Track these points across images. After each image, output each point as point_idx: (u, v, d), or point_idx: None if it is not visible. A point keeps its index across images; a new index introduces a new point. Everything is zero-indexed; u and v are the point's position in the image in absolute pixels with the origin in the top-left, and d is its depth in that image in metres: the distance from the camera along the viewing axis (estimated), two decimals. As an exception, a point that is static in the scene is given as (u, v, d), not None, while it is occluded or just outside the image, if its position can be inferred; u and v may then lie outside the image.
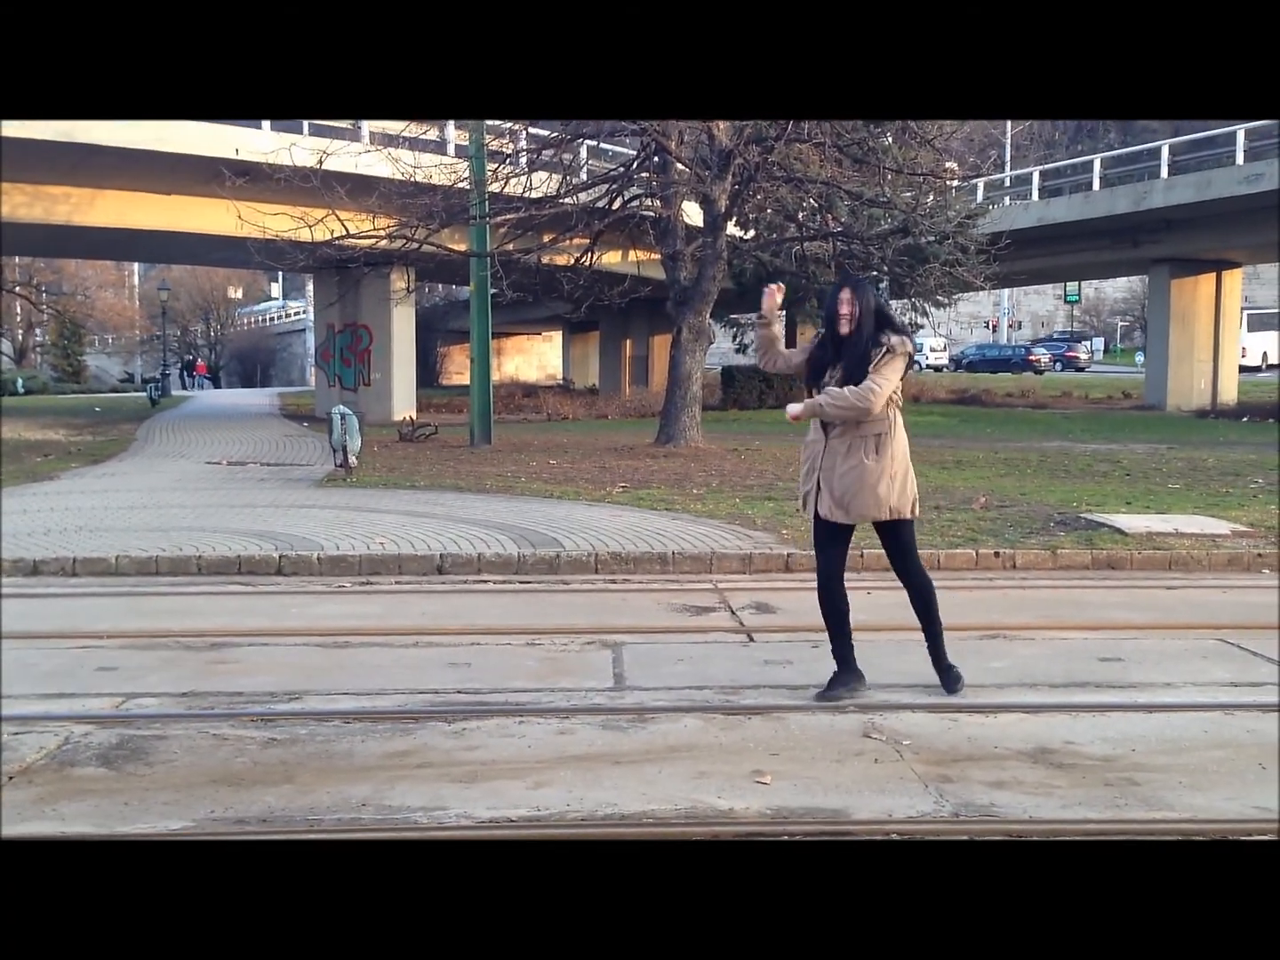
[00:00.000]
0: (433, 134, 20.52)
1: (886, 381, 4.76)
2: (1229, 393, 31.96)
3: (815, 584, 5.10)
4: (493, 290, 18.40)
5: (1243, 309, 37.24)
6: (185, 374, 45.98)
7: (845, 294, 4.85)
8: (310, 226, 16.11)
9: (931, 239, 19.48)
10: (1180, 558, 8.24)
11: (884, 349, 4.78)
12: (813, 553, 7.81)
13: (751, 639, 6.13)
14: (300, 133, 21.33)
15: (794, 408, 4.95)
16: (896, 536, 5.03)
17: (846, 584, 5.12)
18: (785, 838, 3.42)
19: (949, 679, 5.00)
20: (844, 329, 4.83)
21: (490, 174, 17.48)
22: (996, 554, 8.24)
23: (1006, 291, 58.25)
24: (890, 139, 18.55)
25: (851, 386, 4.75)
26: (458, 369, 52.90)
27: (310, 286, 43.89)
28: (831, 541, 5.02)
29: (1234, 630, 6.16)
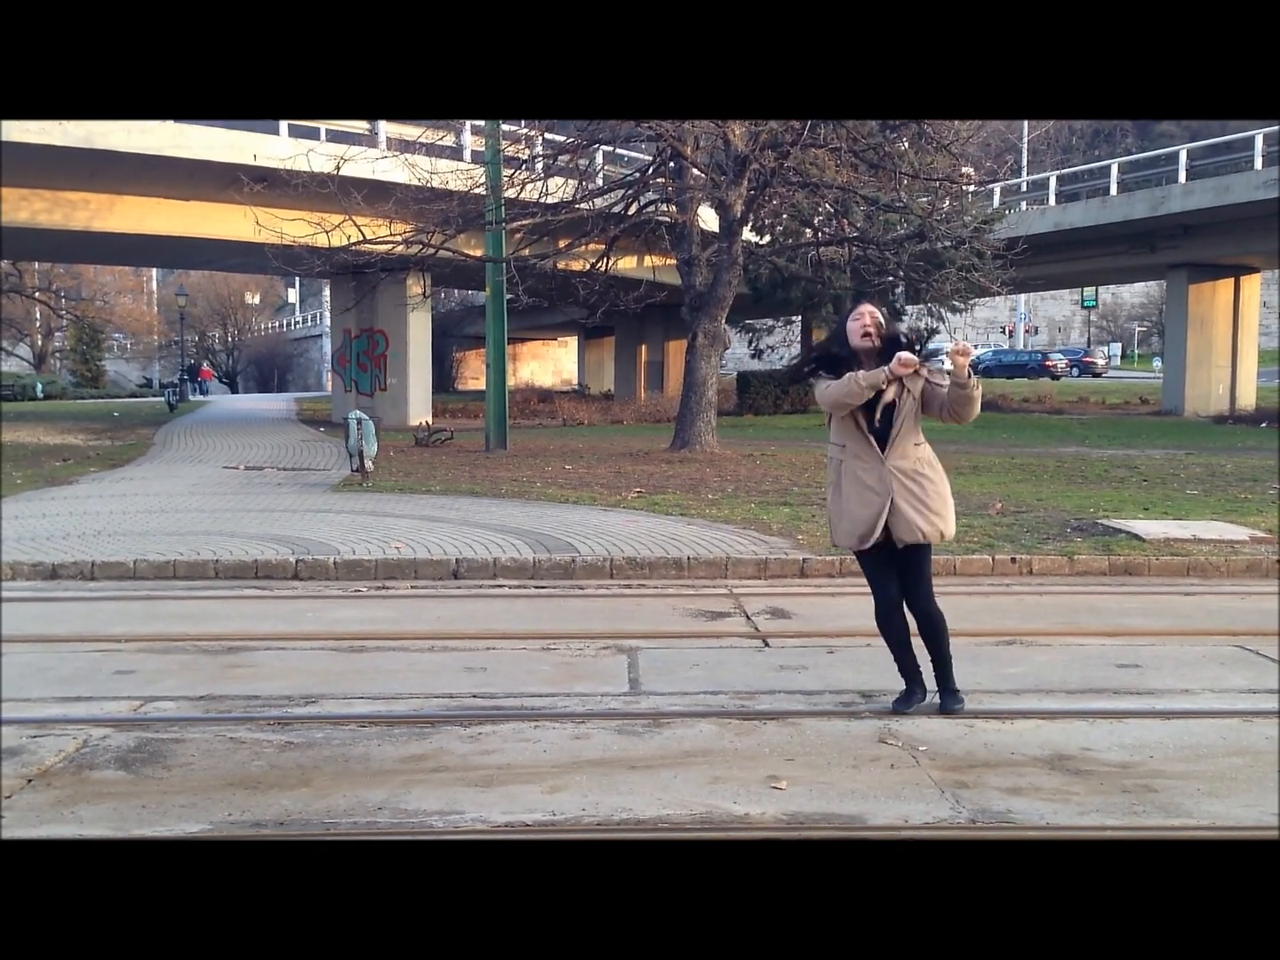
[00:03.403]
0: (449, 140, 20.59)
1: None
2: (1247, 398, 31.83)
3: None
4: (508, 295, 18.45)
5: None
6: (190, 380, 45.50)
7: (869, 311, 4.71)
8: (327, 232, 16.20)
9: (948, 244, 19.46)
10: (1198, 564, 8.20)
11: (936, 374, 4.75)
12: (829, 558, 7.78)
13: (767, 644, 6.12)
14: (318, 138, 21.42)
15: (907, 357, 4.54)
16: (929, 561, 4.88)
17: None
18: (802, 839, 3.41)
19: (953, 699, 4.82)
20: (870, 344, 4.66)
21: (506, 179, 17.53)
22: (1013, 560, 8.21)
23: (1023, 297, 58.15)
24: (906, 144, 18.55)
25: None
26: (473, 374, 53.05)
27: (327, 292, 44.04)
28: (889, 563, 4.82)
29: (1252, 636, 6.13)
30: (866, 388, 4.58)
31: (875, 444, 4.68)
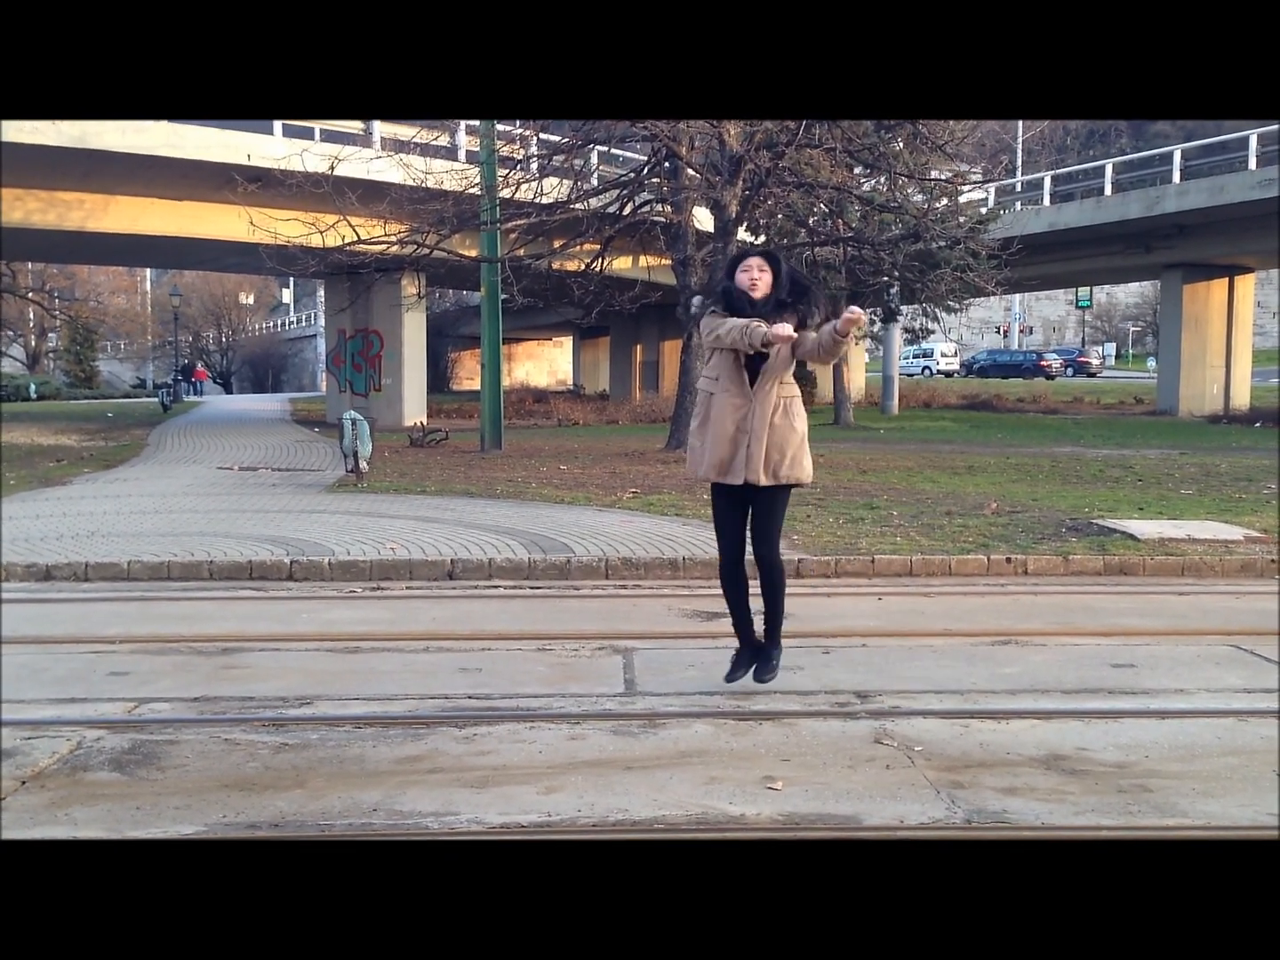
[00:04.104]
0: (444, 140, 20.58)
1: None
2: (1241, 398, 31.90)
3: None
4: (503, 296, 18.44)
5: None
6: (184, 380, 45.06)
7: (757, 261, 4.91)
8: (322, 232, 16.19)
9: (942, 244, 19.47)
10: (1193, 563, 8.22)
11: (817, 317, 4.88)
12: (825, 558, 7.77)
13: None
14: (312, 138, 21.39)
15: (784, 329, 4.65)
16: (781, 508, 5.07)
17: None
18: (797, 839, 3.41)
19: (767, 665, 5.04)
20: (757, 294, 4.83)
21: (501, 179, 17.52)
22: (1008, 560, 8.22)
23: (1018, 297, 58.21)
24: (901, 144, 18.56)
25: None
26: (468, 374, 53.00)
27: (321, 292, 44.00)
28: (741, 512, 5.02)
29: (1247, 636, 6.14)
30: (747, 346, 4.70)
31: (747, 380, 4.84)
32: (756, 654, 5.11)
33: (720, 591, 5.20)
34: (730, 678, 5.08)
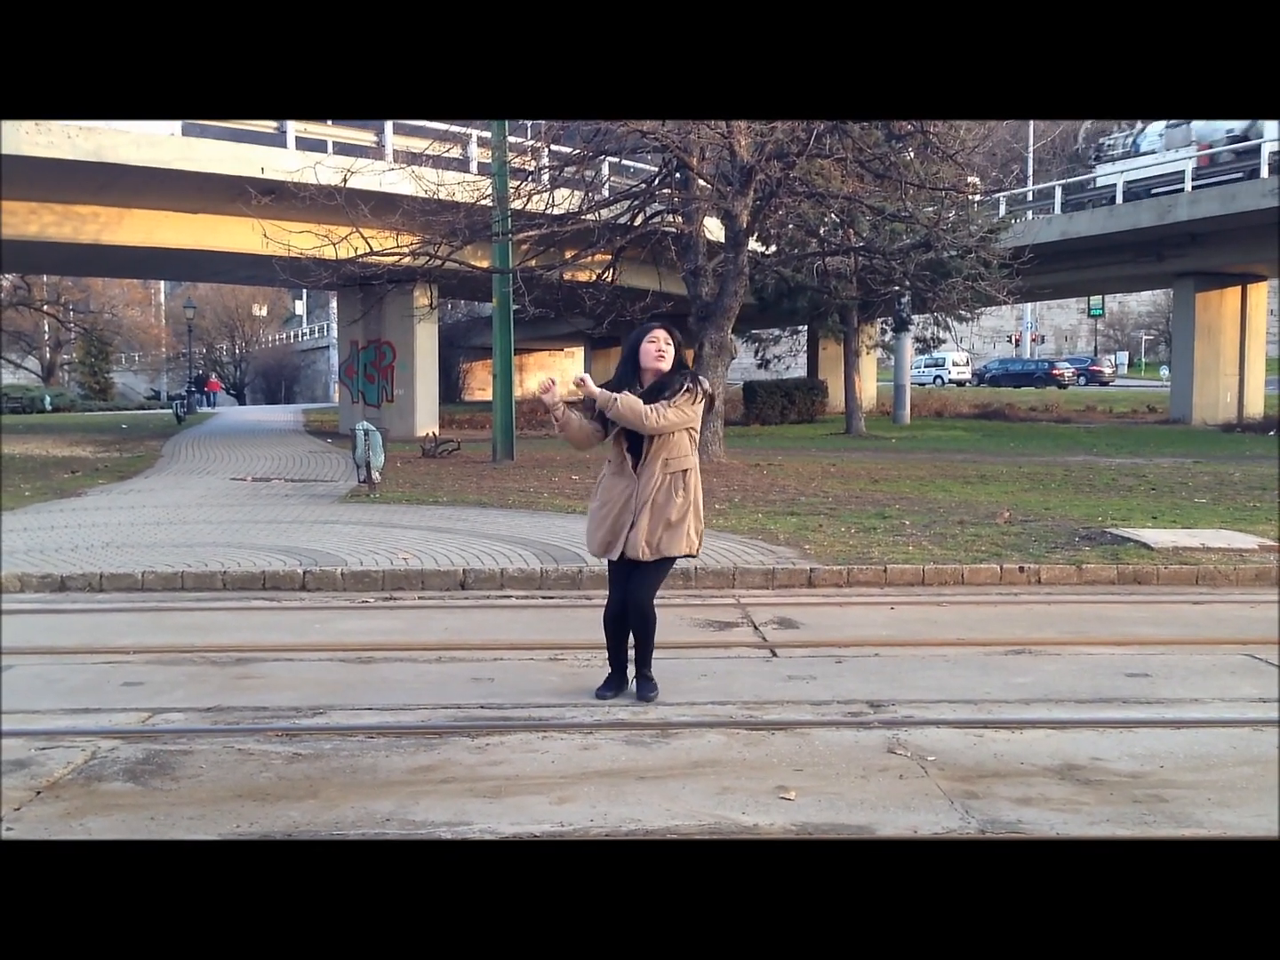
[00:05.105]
0: (456, 152, 20.64)
1: (679, 413, 4.93)
2: (1255, 406, 31.76)
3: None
4: (515, 306, 18.46)
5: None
6: (197, 391, 44.99)
7: (664, 334, 5.04)
8: (334, 244, 16.24)
9: (954, 253, 19.46)
10: (1207, 572, 8.18)
11: (683, 386, 4.96)
12: (837, 567, 7.79)
13: (775, 654, 6.11)
14: (325, 151, 21.48)
15: (556, 392, 4.97)
16: (661, 571, 5.19)
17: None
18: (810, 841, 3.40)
19: (647, 687, 5.18)
20: (664, 365, 4.99)
21: (513, 191, 17.57)
22: (1021, 569, 8.20)
23: (1029, 306, 58.11)
24: (912, 153, 18.55)
25: (647, 405, 4.90)
26: (480, 385, 53.07)
27: (334, 304, 44.14)
28: (626, 578, 5.14)
29: (1262, 645, 6.11)
30: (554, 422, 5.06)
31: (630, 463, 5.03)
32: (635, 680, 5.25)
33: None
34: (600, 695, 5.20)
